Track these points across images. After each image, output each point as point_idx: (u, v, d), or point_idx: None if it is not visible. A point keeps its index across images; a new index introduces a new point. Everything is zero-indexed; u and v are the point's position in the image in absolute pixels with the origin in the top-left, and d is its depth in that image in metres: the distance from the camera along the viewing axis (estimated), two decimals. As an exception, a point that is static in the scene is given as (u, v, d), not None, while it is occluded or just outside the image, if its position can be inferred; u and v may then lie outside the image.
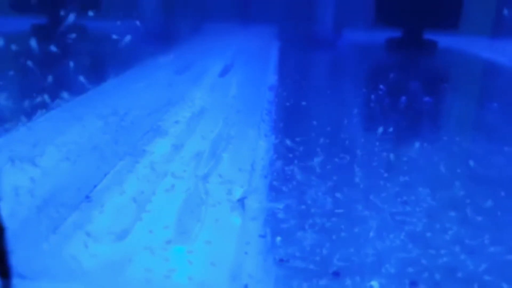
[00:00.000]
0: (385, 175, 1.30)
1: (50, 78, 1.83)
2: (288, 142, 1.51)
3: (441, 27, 3.42)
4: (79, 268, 0.83)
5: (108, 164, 1.25)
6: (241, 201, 1.09)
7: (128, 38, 2.22)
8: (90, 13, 2.53)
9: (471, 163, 1.43)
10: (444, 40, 3.40)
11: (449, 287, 0.84)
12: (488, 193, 1.19)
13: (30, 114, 1.56)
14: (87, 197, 1.09)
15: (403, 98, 2.04)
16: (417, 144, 1.56)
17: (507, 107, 2.05)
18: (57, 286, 0.79)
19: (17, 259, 0.79)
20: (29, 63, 1.96)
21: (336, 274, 0.86)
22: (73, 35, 2.43)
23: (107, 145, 1.37)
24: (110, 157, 1.30)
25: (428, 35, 3.45)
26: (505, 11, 3.21)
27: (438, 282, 0.85)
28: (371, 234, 0.99)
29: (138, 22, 2.94)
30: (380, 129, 1.65)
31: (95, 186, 1.14)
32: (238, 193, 1.13)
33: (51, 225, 0.95)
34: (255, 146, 1.46)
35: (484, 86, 2.68)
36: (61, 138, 1.40)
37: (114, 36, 2.27)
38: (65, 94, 1.74)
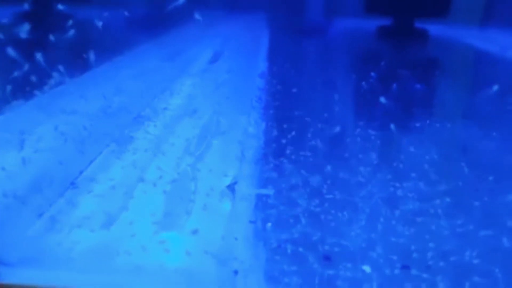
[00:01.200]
0: (377, 161, 1.29)
1: (34, 67, 1.79)
2: (278, 128, 1.50)
3: (432, 15, 3.41)
4: (64, 255, 0.81)
5: (94, 151, 1.23)
6: (231, 187, 1.07)
7: (115, 25, 2.17)
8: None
9: (462, 149, 1.43)
10: (435, 29, 3.40)
11: (441, 271, 0.83)
12: (480, 179, 1.18)
13: (14, 101, 1.52)
14: (73, 183, 1.06)
15: (394, 85, 2.03)
16: (408, 131, 1.55)
17: (497, 95, 2.06)
18: (41, 273, 0.77)
19: (0, 246, 0.76)
20: (13, 51, 1.92)
21: (327, 258, 0.85)
22: (59, 24, 2.37)
23: (93, 132, 1.34)
24: (96, 144, 1.27)
25: (419, 24, 3.44)
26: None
27: (429, 266, 0.84)
28: (363, 219, 0.98)
29: (126, 12, 2.89)
30: (371, 116, 1.64)
31: (81, 173, 1.11)
32: (227, 179, 1.11)
33: (35, 212, 0.93)
34: (245, 133, 1.44)
35: (474, 74, 2.68)
36: (45, 125, 1.37)
37: (101, 23, 2.22)
38: (50, 82, 1.70)
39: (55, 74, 1.76)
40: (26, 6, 3.23)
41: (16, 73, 1.72)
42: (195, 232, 0.91)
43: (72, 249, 0.83)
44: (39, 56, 1.87)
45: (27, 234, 0.87)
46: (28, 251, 0.82)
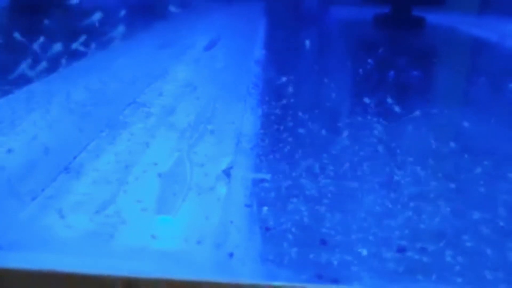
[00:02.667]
0: (373, 147, 1.28)
1: (28, 53, 1.77)
2: (275, 114, 1.49)
3: (428, 3, 3.39)
4: (55, 238, 0.80)
5: (88, 136, 1.22)
6: (227, 171, 1.07)
7: (110, 12, 2.15)
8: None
9: (459, 134, 1.42)
10: (432, 17, 3.38)
11: (437, 254, 0.83)
12: (476, 163, 1.18)
13: (8, 87, 1.51)
14: (66, 168, 1.05)
15: (391, 72, 2.02)
16: (405, 117, 1.54)
17: (494, 82, 2.05)
18: (32, 256, 0.76)
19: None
20: (8, 37, 1.89)
21: (323, 242, 0.84)
22: (54, 10, 2.34)
23: (87, 117, 1.32)
24: (91, 129, 1.26)
25: (416, 12, 3.42)
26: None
27: (425, 249, 0.84)
28: (359, 202, 0.98)
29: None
30: (369, 103, 1.63)
31: (74, 158, 1.10)
32: (223, 164, 1.10)
33: (28, 196, 0.92)
34: (241, 119, 1.43)
35: (471, 62, 2.67)
36: (40, 110, 1.35)
37: (96, 10, 2.20)
38: (44, 68, 1.68)
39: (49, 60, 1.74)
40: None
41: (7, 61, 1.70)
42: (190, 216, 0.90)
43: (65, 234, 0.82)
44: (33, 42, 1.84)
45: (18, 218, 0.86)
46: (19, 234, 0.81)
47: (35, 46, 1.77)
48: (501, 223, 0.93)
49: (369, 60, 2.14)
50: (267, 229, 0.87)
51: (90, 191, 0.97)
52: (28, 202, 0.91)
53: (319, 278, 0.75)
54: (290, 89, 1.81)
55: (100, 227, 0.85)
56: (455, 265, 0.80)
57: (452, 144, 1.39)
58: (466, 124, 1.54)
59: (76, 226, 0.85)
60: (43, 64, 1.66)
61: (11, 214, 0.87)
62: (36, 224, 0.85)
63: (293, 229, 0.87)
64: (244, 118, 1.44)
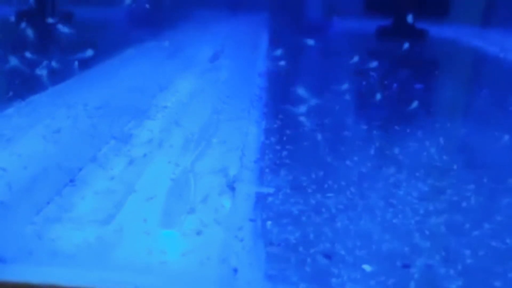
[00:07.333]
0: (376, 160, 1.28)
1: (36, 64, 1.78)
2: (278, 128, 1.49)
3: (431, 15, 3.41)
4: (62, 251, 0.81)
5: (93, 148, 1.22)
6: (231, 185, 1.07)
7: (117, 23, 2.17)
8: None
9: (462, 148, 1.43)
10: (435, 29, 3.39)
11: (440, 270, 0.83)
12: (478, 177, 1.18)
13: (16, 98, 1.52)
14: (72, 180, 1.06)
15: (394, 85, 2.03)
16: (408, 130, 1.54)
17: (496, 94, 2.05)
18: (39, 269, 0.76)
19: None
20: (15, 49, 1.91)
21: (327, 257, 0.84)
22: (60, 21, 2.37)
23: (93, 129, 1.33)
24: (96, 141, 1.26)
25: (418, 24, 3.43)
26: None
27: (429, 265, 0.84)
28: (363, 217, 0.98)
29: (128, 8, 2.88)
30: (371, 115, 1.64)
31: (80, 170, 1.11)
32: (228, 178, 1.11)
33: (34, 208, 0.92)
34: (246, 131, 1.43)
35: (474, 74, 2.68)
36: (46, 121, 1.36)
37: (103, 21, 2.22)
38: (51, 79, 1.70)
39: (55, 71, 1.75)
40: (27, 6, 3.21)
41: (14, 73, 1.71)
42: (194, 230, 0.90)
43: (69, 246, 0.83)
44: (38, 55, 1.86)
45: (24, 230, 0.86)
46: (26, 247, 0.81)
47: (40, 59, 1.79)
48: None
49: (372, 73, 2.14)
50: (271, 243, 0.87)
51: (94, 204, 0.98)
52: (34, 214, 0.91)
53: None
54: (293, 101, 1.82)
55: (104, 240, 0.85)
56: (460, 280, 0.80)
57: (454, 156, 1.39)
58: (468, 136, 1.54)
59: (80, 240, 0.85)
60: (47, 77, 1.67)
61: (17, 227, 0.87)
62: (42, 236, 0.85)
63: (297, 244, 0.88)
64: (248, 131, 1.45)
